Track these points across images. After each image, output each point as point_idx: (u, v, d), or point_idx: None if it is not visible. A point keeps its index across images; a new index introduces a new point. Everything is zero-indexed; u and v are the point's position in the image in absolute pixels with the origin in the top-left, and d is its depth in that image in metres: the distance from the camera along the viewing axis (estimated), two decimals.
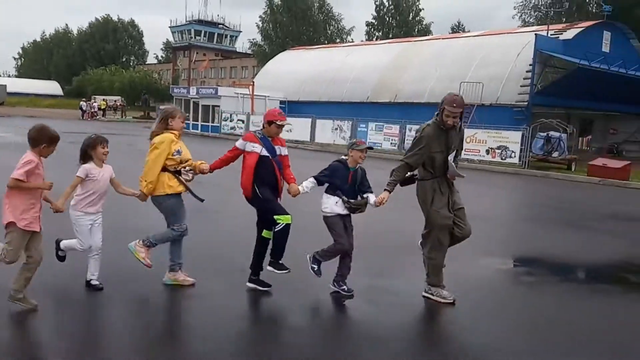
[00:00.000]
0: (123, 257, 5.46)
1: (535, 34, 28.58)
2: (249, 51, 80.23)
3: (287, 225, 5.18)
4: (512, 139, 23.67)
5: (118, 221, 6.85)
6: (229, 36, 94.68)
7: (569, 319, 4.99)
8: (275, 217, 5.18)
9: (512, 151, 23.41)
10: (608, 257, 7.60)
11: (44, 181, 4.43)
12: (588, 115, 40.01)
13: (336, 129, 31.79)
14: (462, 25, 72.75)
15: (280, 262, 5.34)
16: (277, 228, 5.18)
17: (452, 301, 5.29)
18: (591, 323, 4.97)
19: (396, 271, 6.31)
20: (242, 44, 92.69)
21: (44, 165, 4.47)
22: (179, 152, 5.30)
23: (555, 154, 22.81)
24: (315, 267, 5.45)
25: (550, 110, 34.65)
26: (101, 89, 74.94)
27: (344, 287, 5.42)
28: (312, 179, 5.46)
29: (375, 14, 72.28)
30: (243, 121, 37.73)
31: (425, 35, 64.95)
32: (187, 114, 37.75)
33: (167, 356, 3.86)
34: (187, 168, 5.36)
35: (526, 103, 27.93)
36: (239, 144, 5.44)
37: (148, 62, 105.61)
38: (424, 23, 72.56)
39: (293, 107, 39.87)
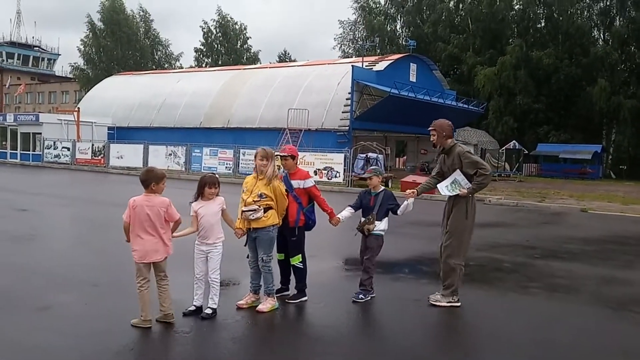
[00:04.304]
0: None
1: (352, 66, 31.39)
2: (70, 75, 75.70)
3: (278, 260, 6.16)
4: (336, 160, 25.72)
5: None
6: (46, 59, 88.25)
7: (380, 298, 6.16)
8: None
9: (337, 171, 25.40)
10: (409, 253, 9.19)
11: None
12: (402, 138, 44.45)
13: (170, 154, 31.61)
14: (289, 54, 76.18)
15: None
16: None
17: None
18: (395, 300, 6.26)
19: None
20: (61, 68, 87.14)
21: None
22: (243, 191, 5.72)
23: None
24: (362, 296, 6.19)
25: (370, 134, 38.00)
26: None
27: (360, 295, 6.18)
28: (349, 208, 6.36)
29: (203, 40, 72.80)
30: (68, 149, 35.77)
31: (254, 62, 67.05)
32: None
33: None
34: (245, 209, 5.61)
35: (347, 127, 30.41)
36: None
37: None
38: (252, 51, 74.75)
39: (123, 134, 38.72)
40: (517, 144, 41.88)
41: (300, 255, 6.08)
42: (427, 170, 38.95)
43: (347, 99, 31.04)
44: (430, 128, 6.35)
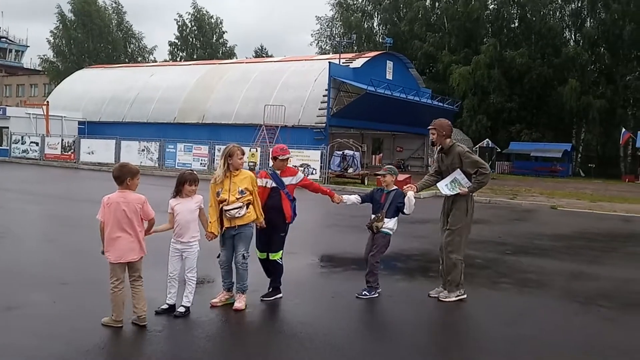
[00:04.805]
0: None
1: (329, 62, 31.43)
2: (39, 68, 74.14)
3: (260, 260, 6.08)
4: (313, 157, 25.70)
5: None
6: (14, 51, 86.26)
7: (354, 294, 6.22)
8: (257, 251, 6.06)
9: (314, 168, 25.38)
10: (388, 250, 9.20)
11: None
12: (379, 135, 44.72)
13: (143, 150, 31.19)
14: (265, 49, 75.83)
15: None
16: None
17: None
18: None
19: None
20: (30, 60, 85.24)
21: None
22: (218, 193, 5.59)
23: (350, 170, 25.31)
24: (367, 293, 6.23)
25: (346, 131, 38.12)
26: None
27: (364, 292, 6.23)
28: (357, 196, 6.50)
29: (178, 34, 71.95)
30: (37, 144, 35.01)
31: (230, 57, 66.55)
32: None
33: None
34: (228, 208, 5.51)
35: (324, 124, 30.45)
36: (259, 181, 5.99)
37: None
38: (228, 45, 74.19)
39: (94, 128, 38.00)
40: (490, 142, 42.45)
41: (281, 252, 6.09)
42: (403, 167, 39.27)
43: (323, 96, 31.08)
44: (430, 127, 6.48)
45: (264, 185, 6.01)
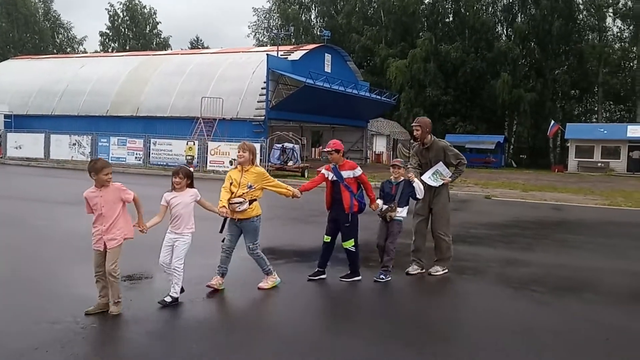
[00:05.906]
0: None
1: (267, 54, 31.17)
2: None
3: (323, 242, 6.70)
4: None
5: None
6: None
7: (295, 285, 6.27)
8: (325, 236, 6.71)
9: None
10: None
11: None
12: (318, 128, 44.82)
13: (74, 144, 30.05)
14: (201, 41, 74.42)
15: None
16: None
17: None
18: (307, 286, 6.36)
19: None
20: None
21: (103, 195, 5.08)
22: (231, 183, 5.90)
23: (290, 163, 25.27)
24: (383, 277, 6.63)
25: (286, 124, 38.00)
26: None
27: (381, 276, 6.64)
28: (380, 199, 6.89)
29: (109, 24, 69.49)
30: None
31: (165, 49, 64.91)
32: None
33: None
34: (233, 201, 5.82)
35: (263, 117, 30.21)
36: (324, 172, 6.65)
37: None
38: (162, 36, 72.34)
39: (21, 122, 36.14)
40: None
41: (352, 240, 6.59)
42: None
43: (262, 88, 30.81)
44: (414, 124, 7.29)
45: (328, 177, 6.62)
